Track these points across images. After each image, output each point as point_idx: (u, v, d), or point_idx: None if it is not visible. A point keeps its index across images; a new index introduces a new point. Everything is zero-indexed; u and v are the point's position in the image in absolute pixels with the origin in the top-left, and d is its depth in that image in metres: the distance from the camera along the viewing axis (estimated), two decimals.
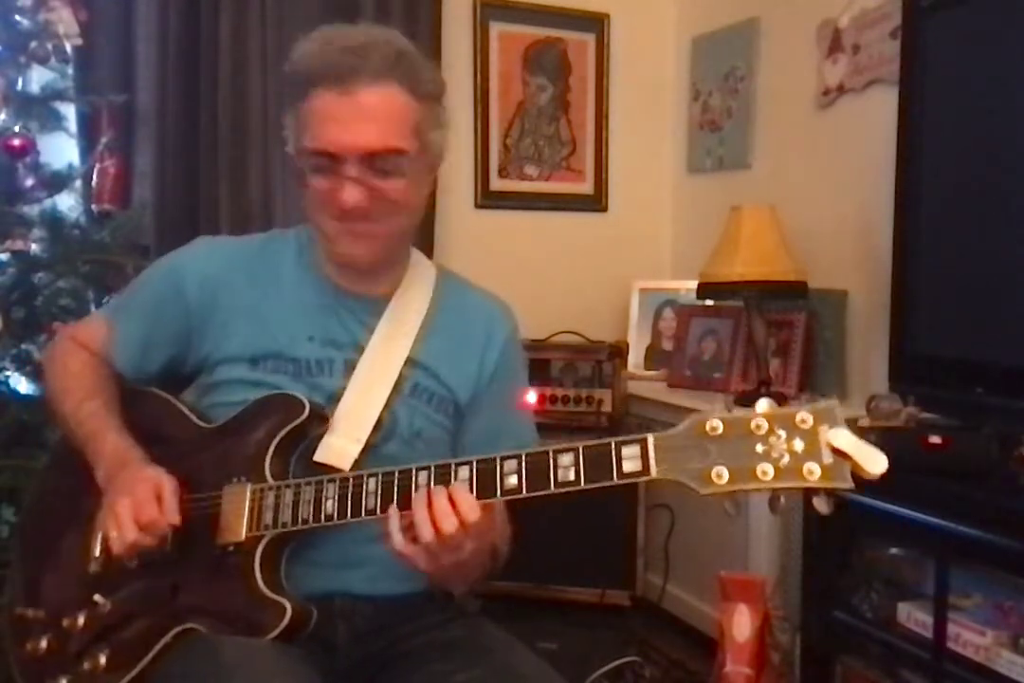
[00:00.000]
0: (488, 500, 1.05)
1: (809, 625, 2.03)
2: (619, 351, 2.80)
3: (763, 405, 0.97)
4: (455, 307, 1.35)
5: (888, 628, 1.85)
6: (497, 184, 3.08)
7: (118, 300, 1.47)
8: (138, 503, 1.14)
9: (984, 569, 1.73)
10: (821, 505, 0.96)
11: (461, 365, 1.32)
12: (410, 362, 1.28)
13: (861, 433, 2.04)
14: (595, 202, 3.22)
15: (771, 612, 2.13)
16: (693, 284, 2.64)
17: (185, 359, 1.32)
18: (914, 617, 1.81)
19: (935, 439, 1.74)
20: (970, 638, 1.69)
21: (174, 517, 1.15)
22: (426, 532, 1.03)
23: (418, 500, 1.05)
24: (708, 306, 2.89)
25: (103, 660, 1.16)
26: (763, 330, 2.54)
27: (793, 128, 2.75)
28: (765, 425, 0.96)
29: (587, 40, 3.15)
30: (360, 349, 1.28)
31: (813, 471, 0.94)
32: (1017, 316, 1.80)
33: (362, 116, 1.15)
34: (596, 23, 3.15)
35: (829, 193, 2.60)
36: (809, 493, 0.97)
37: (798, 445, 0.95)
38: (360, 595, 1.24)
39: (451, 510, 1.03)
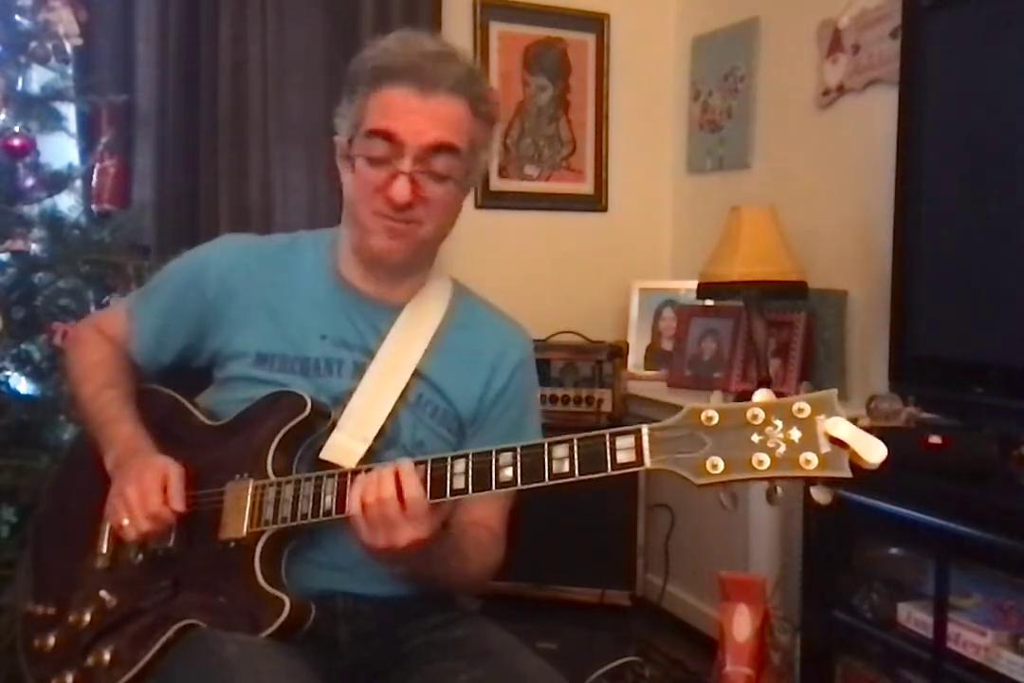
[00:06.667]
0: (483, 492, 1.06)
1: (809, 625, 2.03)
2: (619, 351, 2.80)
3: (760, 395, 0.96)
4: (469, 325, 1.35)
5: (888, 628, 1.85)
6: (497, 184, 3.07)
7: (140, 291, 1.49)
8: (144, 493, 1.15)
9: (984, 569, 1.73)
10: (820, 495, 0.94)
11: (467, 383, 1.31)
12: (417, 374, 1.28)
13: None
14: (595, 202, 3.21)
15: (771, 612, 2.13)
16: (693, 284, 2.64)
17: (199, 351, 1.34)
18: (914, 617, 1.81)
19: (935, 439, 1.74)
20: (970, 638, 1.69)
21: (178, 504, 1.16)
22: (355, 497, 1.07)
23: (372, 472, 1.09)
24: (708, 306, 2.89)
25: (107, 656, 1.16)
26: (763, 330, 2.54)
27: (793, 128, 2.75)
28: (761, 415, 0.94)
29: (587, 40, 3.15)
30: (369, 352, 1.28)
31: (810, 461, 0.92)
32: (1017, 316, 1.80)
33: (433, 117, 1.19)
34: (596, 23, 3.15)
35: (829, 193, 2.60)
36: (807, 483, 0.95)
37: (795, 434, 0.93)
38: (362, 595, 1.25)
39: (388, 481, 1.06)
